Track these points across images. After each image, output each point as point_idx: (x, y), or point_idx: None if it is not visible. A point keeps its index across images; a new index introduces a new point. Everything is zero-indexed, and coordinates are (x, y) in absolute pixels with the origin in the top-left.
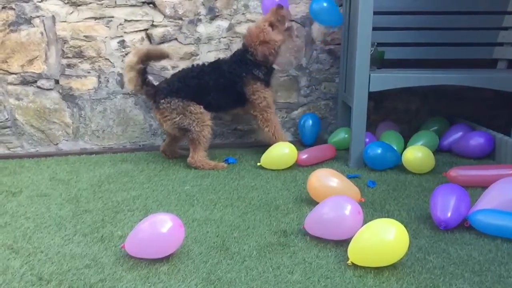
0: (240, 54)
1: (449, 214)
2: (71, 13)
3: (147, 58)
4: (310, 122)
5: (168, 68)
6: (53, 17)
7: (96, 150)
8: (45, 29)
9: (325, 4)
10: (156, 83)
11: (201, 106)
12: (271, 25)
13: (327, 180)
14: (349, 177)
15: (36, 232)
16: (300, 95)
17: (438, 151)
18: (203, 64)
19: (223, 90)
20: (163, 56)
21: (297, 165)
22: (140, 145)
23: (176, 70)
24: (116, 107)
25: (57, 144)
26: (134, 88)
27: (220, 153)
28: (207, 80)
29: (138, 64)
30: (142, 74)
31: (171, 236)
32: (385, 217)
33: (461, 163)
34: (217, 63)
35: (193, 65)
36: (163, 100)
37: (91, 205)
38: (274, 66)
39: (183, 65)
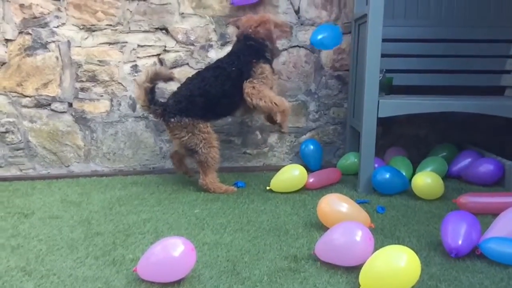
0: (242, 45)
1: (460, 242)
2: (86, 38)
3: (155, 78)
4: (311, 147)
5: None
6: (69, 42)
7: (107, 172)
8: (60, 54)
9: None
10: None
11: (208, 125)
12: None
13: (337, 205)
14: (358, 203)
15: (48, 254)
16: (308, 120)
17: (447, 177)
18: (205, 76)
19: (231, 92)
20: (169, 78)
21: (304, 188)
22: (150, 168)
23: None
24: (128, 130)
25: (68, 166)
26: (142, 105)
27: (229, 177)
28: (213, 93)
29: (145, 82)
30: (150, 93)
31: (183, 260)
32: (395, 243)
33: (471, 189)
34: (220, 69)
35: (197, 75)
36: (173, 119)
37: (103, 228)
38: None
39: None
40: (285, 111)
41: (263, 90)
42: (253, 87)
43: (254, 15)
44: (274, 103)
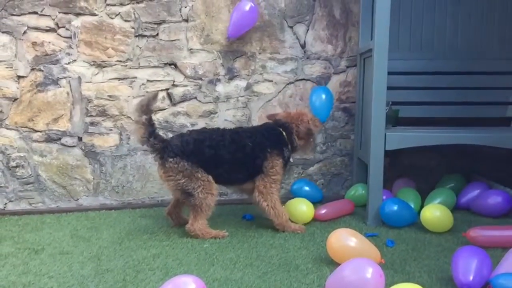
0: (271, 127)
1: (471, 277)
2: (96, 74)
3: (146, 107)
4: (307, 188)
5: (187, 125)
6: (79, 78)
7: (116, 205)
8: (71, 89)
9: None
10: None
11: (210, 176)
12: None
13: (347, 241)
14: (368, 236)
15: None
16: (316, 152)
17: (455, 209)
18: (224, 133)
19: (239, 164)
20: (153, 99)
21: (314, 219)
22: (159, 201)
23: (195, 128)
24: (136, 163)
25: (77, 199)
26: (140, 139)
27: (237, 209)
28: (223, 153)
29: (140, 116)
30: (148, 126)
31: None
32: (406, 279)
33: (480, 221)
34: (239, 135)
35: (213, 130)
36: (171, 159)
37: (112, 264)
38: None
39: (202, 122)
40: (279, 225)
41: (272, 194)
42: (265, 186)
43: (291, 111)
44: (274, 212)
